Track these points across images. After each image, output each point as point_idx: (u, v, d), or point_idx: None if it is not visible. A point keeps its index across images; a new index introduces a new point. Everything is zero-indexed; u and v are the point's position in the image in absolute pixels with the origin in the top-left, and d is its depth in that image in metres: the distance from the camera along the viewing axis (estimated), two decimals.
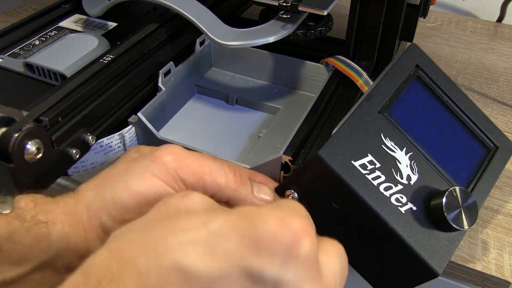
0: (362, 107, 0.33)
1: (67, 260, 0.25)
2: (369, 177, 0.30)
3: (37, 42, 0.48)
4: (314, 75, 0.48)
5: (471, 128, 0.37)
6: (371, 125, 0.33)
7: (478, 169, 0.36)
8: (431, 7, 0.48)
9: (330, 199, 0.32)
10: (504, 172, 0.42)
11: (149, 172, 0.26)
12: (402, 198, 0.31)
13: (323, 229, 0.35)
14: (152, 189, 0.26)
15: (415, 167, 0.33)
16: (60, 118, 0.33)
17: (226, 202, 0.29)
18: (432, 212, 0.31)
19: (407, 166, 0.32)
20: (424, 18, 0.45)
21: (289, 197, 0.34)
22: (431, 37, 0.64)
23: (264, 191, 0.30)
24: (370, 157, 0.31)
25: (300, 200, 0.35)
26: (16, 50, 0.46)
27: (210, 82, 0.51)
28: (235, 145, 0.44)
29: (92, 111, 0.36)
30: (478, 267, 0.34)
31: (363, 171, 0.30)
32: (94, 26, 0.51)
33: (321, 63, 0.46)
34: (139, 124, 0.40)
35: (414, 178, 0.32)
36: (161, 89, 0.43)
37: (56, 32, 0.50)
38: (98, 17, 0.52)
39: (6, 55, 0.46)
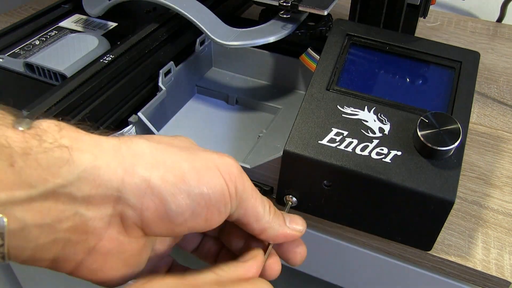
0: (309, 93, 0.35)
1: (88, 193, 0.22)
2: (341, 146, 0.32)
3: (37, 42, 0.48)
4: None
5: (425, 58, 0.37)
6: (324, 103, 0.34)
7: (451, 90, 0.35)
8: (431, 7, 0.47)
9: (321, 182, 0.33)
10: (504, 172, 0.42)
11: (216, 167, 0.25)
12: (382, 150, 0.32)
13: (335, 209, 0.35)
14: (215, 181, 0.24)
15: (383, 118, 0.34)
16: (60, 118, 0.33)
17: (259, 234, 0.27)
18: (416, 147, 0.32)
19: (375, 120, 0.33)
20: (424, 18, 0.45)
21: (289, 203, 0.34)
22: (431, 37, 0.64)
23: (296, 221, 0.29)
24: (335, 130, 0.33)
25: (300, 200, 0.35)
26: (16, 50, 0.46)
27: (210, 82, 0.51)
28: (235, 145, 0.44)
29: (92, 111, 0.36)
30: (478, 267, 0.34)
31: (333, 145, 0.32)
32: (94, 26, 0.51)
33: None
34: (139, 124, 0.40)
35: (387, 127, 0.33)
36: (161, 89, 0.43)
37: (56, 32, 0.50)
38: (98, 17, 0.52)
39: (6, 55, 0.46)
